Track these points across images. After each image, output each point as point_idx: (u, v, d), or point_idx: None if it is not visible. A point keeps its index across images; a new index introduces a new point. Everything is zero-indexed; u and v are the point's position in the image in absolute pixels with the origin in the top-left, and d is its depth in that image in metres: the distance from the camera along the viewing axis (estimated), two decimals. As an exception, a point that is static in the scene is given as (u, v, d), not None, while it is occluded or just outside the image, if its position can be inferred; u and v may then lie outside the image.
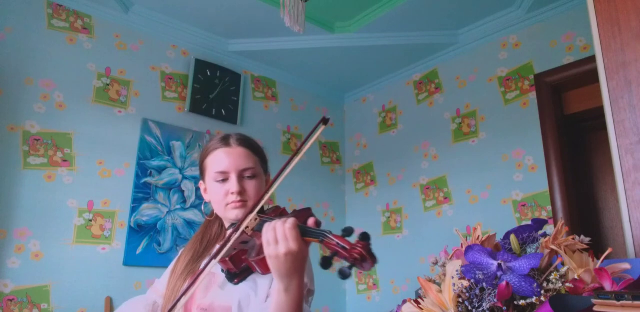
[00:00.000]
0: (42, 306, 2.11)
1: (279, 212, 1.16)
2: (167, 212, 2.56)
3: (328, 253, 0.84)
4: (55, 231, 2.21)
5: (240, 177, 1.15)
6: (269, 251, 0.90)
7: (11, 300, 2.05)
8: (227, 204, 1.14)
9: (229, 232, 1.15)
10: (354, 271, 0.83)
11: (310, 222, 0.93)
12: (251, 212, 1.02)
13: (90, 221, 2.32)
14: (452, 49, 2.96)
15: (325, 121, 1.00)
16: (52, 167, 2.27)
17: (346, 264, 0.82)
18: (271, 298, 0.96)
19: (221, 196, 1.15)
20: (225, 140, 1.20)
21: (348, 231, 0.86)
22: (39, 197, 2.20)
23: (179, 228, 2.57)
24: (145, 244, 2.44)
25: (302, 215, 0.97)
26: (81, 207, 2.31)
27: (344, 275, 0.80)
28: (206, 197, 1.23)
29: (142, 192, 2.49)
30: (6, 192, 2.13)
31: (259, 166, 1.20)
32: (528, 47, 2.65)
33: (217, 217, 1.25)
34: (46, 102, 2.31)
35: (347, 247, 0.82)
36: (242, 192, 1.14)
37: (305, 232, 0.91)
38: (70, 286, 2.20)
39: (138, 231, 2.44)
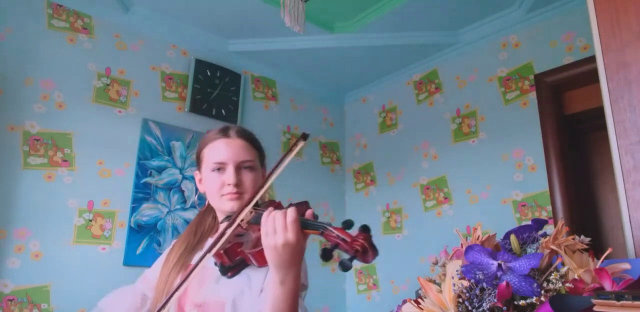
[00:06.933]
0: (42, 306, 2.11)
1: (274, 206, 1.15)
2: (167, 212, 2.56)
3: (328, 245, 0.83)
4: (55, 231, 2.21)
5: (238, 168, 1.14)
6: (267, 242, 0.89)
7: (11, 300, 2.05)
8: (223, 195, 1.13)
9: (222, 225, 1.14)
10: (357, 265, 0.82)
11: (308, 214, 0.93)
12: (247, 205, 1.00)
13: (90, 221, 2.32)
14: (452, 49, 2.96)
15: (305, 137, 1.01)
16: (52, 167, 2.27)
17: (347, 256, 0.80)
18: (266, 291, 0.95)
19: (217, 186, 1.14)
20: (224, 132, 1.19)
21: (348, 224, 0.85)
22: (39, 197, 2.20)
23: (179, 228, 2.57)
24: (145, 244, 2.44)
25: (299, 208, 0.96)
26: (81, 207, 2.31)
27: (344, 267, 0.78)
28: (201, 188, 1.22)
29: (142, 192, 2.49)
30: (6, 192, 2.13)
31: (256, 159, 1.19)
32: (528, 47, 2.65)
33: (211, 209, 1.24)
34: (46, 102, 2.31)
35: (348, 239, 0.82)
36: (238, 184, 1.13)
37: (305, 225, 0.90)
38: (70, 286, 2.20)
39: (138, 231, 2.44)
